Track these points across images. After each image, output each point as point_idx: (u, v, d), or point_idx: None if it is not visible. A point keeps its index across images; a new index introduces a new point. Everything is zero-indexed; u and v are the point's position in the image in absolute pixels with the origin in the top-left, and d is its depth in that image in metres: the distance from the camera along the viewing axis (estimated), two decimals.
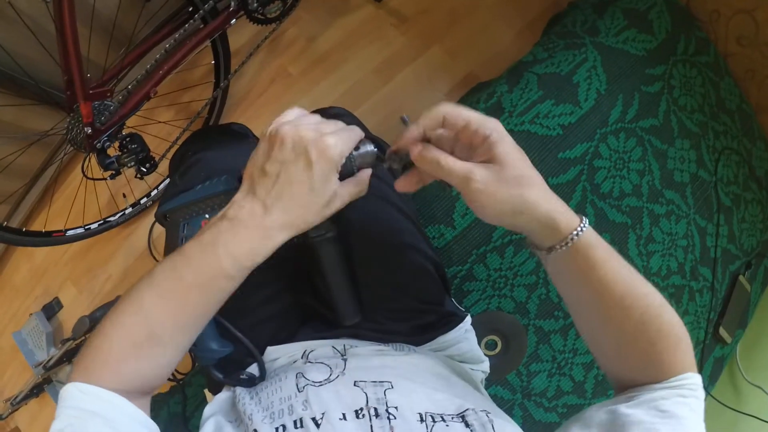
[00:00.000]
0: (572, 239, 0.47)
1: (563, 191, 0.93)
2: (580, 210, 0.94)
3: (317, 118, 0.51)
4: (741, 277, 1.17)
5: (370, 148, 0.53)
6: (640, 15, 1.07)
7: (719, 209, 1.12)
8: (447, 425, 0.47)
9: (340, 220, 0.61)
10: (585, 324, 0.55)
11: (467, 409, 0.49)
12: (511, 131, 0.91)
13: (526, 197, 0.46)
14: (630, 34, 1.04)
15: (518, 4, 1.57)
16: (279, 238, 0.48)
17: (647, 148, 1.01)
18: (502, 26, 1.55)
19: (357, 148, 0.52)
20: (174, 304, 0.47)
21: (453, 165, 0.46)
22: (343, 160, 0.48)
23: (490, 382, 0.94)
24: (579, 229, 0.47)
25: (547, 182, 0.91)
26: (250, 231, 0.47)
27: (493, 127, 0.46)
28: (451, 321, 0.71)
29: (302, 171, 0.46)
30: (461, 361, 0.70)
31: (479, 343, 0.88)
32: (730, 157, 1.16)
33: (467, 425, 0.47)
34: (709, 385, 1.15)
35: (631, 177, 0.99)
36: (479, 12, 1.55)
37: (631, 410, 0.47)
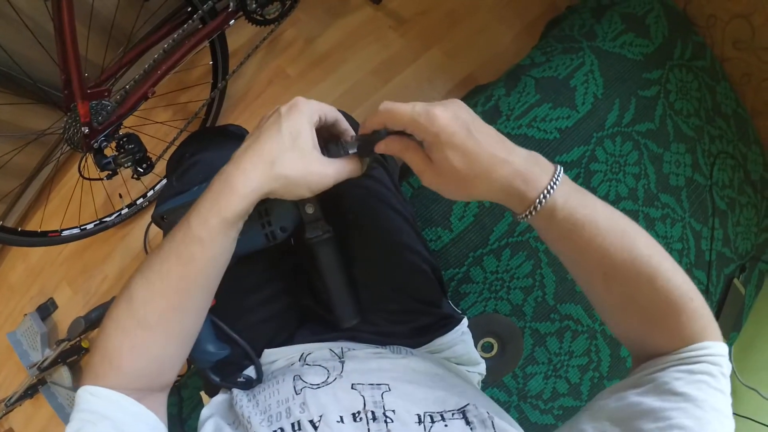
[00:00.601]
0: (534, 209, 0.46)
1: None
2: None
3: None
4: (736, 281, 1.18)
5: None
6: (637, 19, 1.07)
7: (714, 213, 1.13)
8: (446, 424, 0.47)
9: (337, 221, 0.61)
10: (579, 281, 0.53)
11: (467, 404, 0.50)
12: (508, 134, 0.91)
13: (472, 194, 0.49)
14: (627, 39, 1.05)
15: (517, 6, 1.58)
16: (244, 184, 0.47)
17: (643, 152, 1.02)
18: (500, 28, 1.55)
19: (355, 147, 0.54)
20: (154, 281, 0.47)
21: (411, 160, 0.50)
22: (315, 117, 0.51)
23: (487, 385, 0.94)
24: (546, 191, 0.46)
25: None
26: (216, 186, 0.48)
27: (433, 132, 0.46)
28: (448, 323, 0.71)
29: (272, 122, 0.50)
30: (458, 364, 0.70)
31: (476, 346, 0.88)
32: (725, 161, 1.17)
33: (467, 422, 0.47)
34: None
35: (627, 181, 1.00)
36: (478, 14, 1.55)
37: (641, 398, 0.43)
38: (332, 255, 0.61)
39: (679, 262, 1.03)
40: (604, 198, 0.97)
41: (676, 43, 1.11)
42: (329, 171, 0.51)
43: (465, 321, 0.75)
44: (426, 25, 1.54)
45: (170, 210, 0.61)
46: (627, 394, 0.45)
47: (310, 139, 0.50)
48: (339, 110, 0.72)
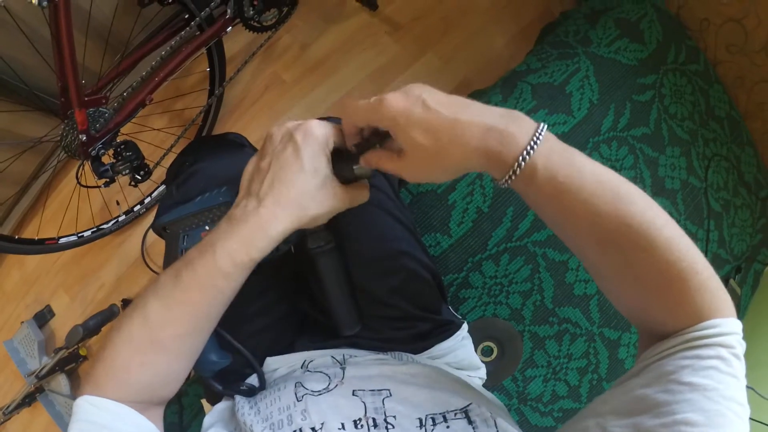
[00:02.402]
0: (511, 176, 0.42)
1: None
2: None
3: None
4: (732, 281, 1.19)
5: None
6: (631, 25, 1.09)
7: (709, 215, 1.14)
8: (448, 425, 0.47)
9: (337, 229, 0.62)
10: (573, 251, 0.49)
11: (470, 404, 0.50)
12: None
13: (452, 166, 0.46)
14: (622, 44, 1.06)
15: (511, 12, 1.59)
16: (276, 228, 0.48)
17: (639, 156, 1.03)
18: (495, 33, 1.56)
19: (357, 161, 0.53)
20: (174, 308, 0.47)
21: (385, 166, 0.49)
22: (331, 143, 0.51)
23: (487, 388, 0.94)
24: (522, 157, 0.41)
25: None
26: (244, 225, 0.48)
27: (391, 117, 0.45)
28: (449, 329, 0.71)
29: (291, 154, 0.49)
30: (459, 369, 0.71)
31: (475, 350, 0.89)
32: (719, 163, 1.18)
33: (470, 421, 0.47)
34: None
35: None
36: (472, 19, 1.56)
37: (645, 390, 0.39)
38: (334, 265, 0.62)
39: None
40: None
41: (669, 47, 1.12)
42: (347, 201, 0.52)
43: (465, 326, 0.75)
44: (421, 30, 1.55)
45: (172, 221, 0.61)
46: (631, 384, 0.41)
47: (329, 170, 0.50)
48: (333, 118, 0.74)
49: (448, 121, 0.43)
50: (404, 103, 0.45)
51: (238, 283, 0.50)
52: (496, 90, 1.00)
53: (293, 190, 0.48)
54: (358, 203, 0.54)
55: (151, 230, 1.21)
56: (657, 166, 1.05)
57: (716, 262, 1.15)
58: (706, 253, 1.13)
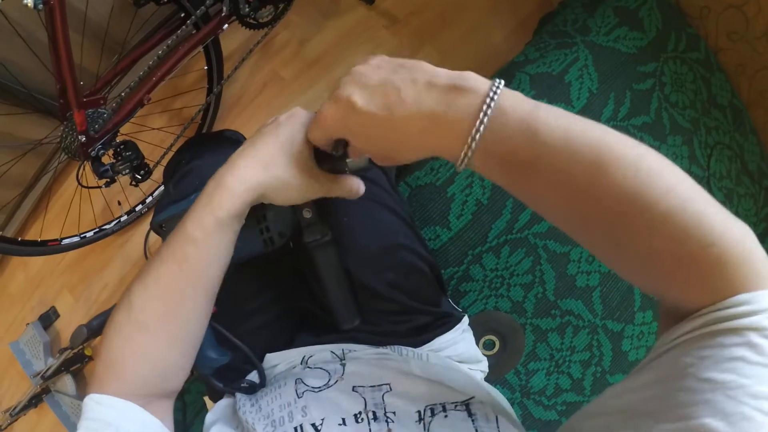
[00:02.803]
0: (462, 162, 0.39)
1: None
2: None
3: None
4: None
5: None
6: (630, 13, 1.08)
7: None
8: (446, 415, 0.47)
9: (334, 223, 0.62)
10: (560, 227, 0.42)
11: (472, 398, 0.50)
12: None
13: (412, 158, 0.43)
14: (621, 32, 1.05)
15: (510, 3, 1.58)
16: (235, 183, 0.48)
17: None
18: (493, 25, 1.55)
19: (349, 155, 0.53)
20: (151, 285, 0.48)
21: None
22: (306, 125, 0.51)
23: (489, 382, 0.94)
24: (466, 148, 0.38)
25: None
26: (210, 187, 0.48)
27: (330, 133, 0.46)
28: (448, 322, 0.71)
29: (270, 127, 0.51)
30: (460, 362, 0.71)
31: (477, 343, 0.88)
32: (722, 152, 1.17)
33: (470, 414, 0.47)
34: None
35: None
36: (470, 12, 1.55)
37: (660, 386, 0.34)
38: (331, 259, 0.61)
39: None
40: None
41: (669, 35, 1.11)
42: (324, 185, 0.51)
43: (465, 319, 0.75)
44: (419, 24, 1.54)
45: (168, 218, 0.61)
46: (645, 378, 0.35)
47: (305, 148, 0.50)
48: None
49: (383, 123, 0.40)
50: (336, 113, 0.43)
51: (210, 251, 0.48)
52: None
53: (260, 151, 0.49)
54: (340, 194, 0.53)
55: (151, 228, 1.21)
56: None
57: None
58: None
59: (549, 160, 0.36)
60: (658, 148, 1.04)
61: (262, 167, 0.48)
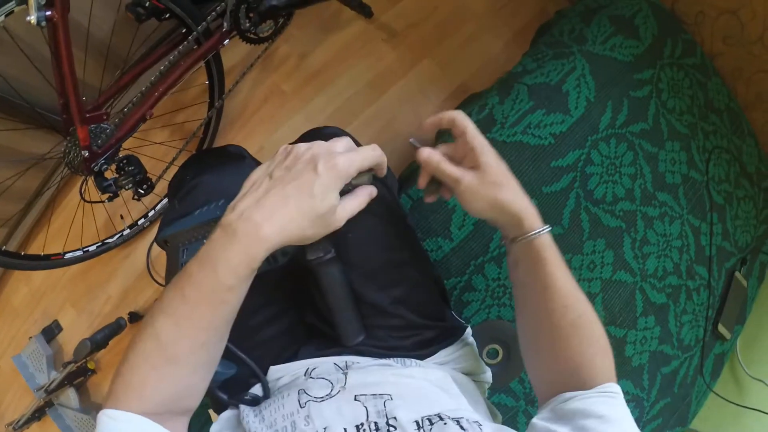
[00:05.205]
0: (532, 235, 0.57)
1: (557, 199, 0.94)
2: (574, 217, 0.95)
3: (331, 141, 0.53)
4: (737, 274, 1.18)
5: None
6: (626, 21, 1.09)
7: (712, 208, 1.14)
8: (445, 423, 0.48)
9: (337, 240, 0.62)
10: (527, 318, 0.63)
11: (462, 418, 0.50)
12: (503, 142, 0.93)
13: (502, 197, 0.56)
14: (617, 41, 1.06)
15: (506, 14, 1.60)
16: (272, 241, 0.47)
17: (638, 152, 1.03)
18: (490, 36, 1.57)
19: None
20: (184, 324, 0.47)
21: (448, 168, 0.57)
22: (348, 180, 0.50)
23: (494, 391, 0.94)
24: (540, 230, 0.57)
25: (541, 191, 0.92)
26: (242, 236, 0.47)
27: (481, 142, 0.58)
28: (453, 334, 0.71)
29: (307, 175, 0.48)
30: (465, 374, 0.71)
31: (481, 353, 0.88)
32: (720, 155, 1.18)
33: (462, 428, 0.48)
34: (711, 382, 1.16)
35: (623, 181, 1.01)
36: (468, 24, 1.57)
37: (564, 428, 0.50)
38: (335, 276, 0.61)
39: (680, 259, 1.05)
40: (602, 200, 0.98)
41: (665, 42, 1.12)
42: (343, 217, 0.52)
43: (469, 330, 0.75)
44: (417, 36, 1.55)
45: (173, 234, 0.61)
46: (549, 426, 0.52)
47: (337, 202, 0.50)
48: (344, 131, 0.75)
49: (507, 171, 0.59)
50: (486, 141, 0.59)
51: (243, 291, 0.50)
52: (492, 93, 1.00)
53: (296, 211, 0.48)
54: (356, 211, 0.54)
55: (155, 243, 1.21)
56: (657, 162, 1.05)
57: (721, 255, 1.15)
58: (710, 246, 1.12)
59: (552, 266, 0.58)
60: (656, 155, 1.05)
61: (298, 230, 0.48)
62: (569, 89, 0.98)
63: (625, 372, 1.01)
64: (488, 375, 0.75)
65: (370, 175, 0.54)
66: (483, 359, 0.89)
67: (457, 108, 1.19)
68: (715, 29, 1.24)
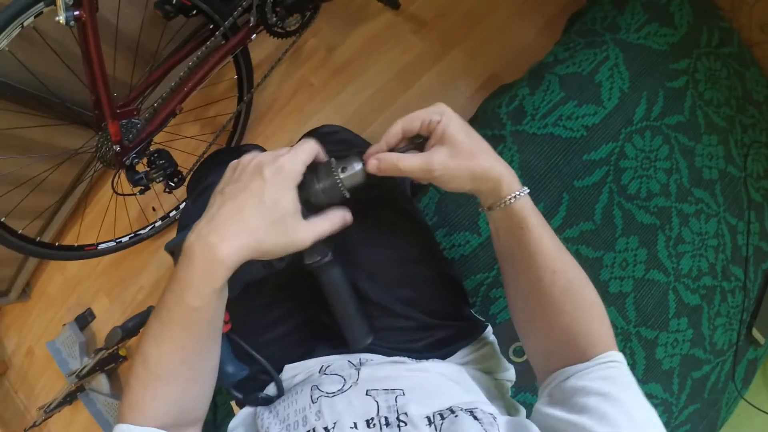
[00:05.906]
0: (510, 200, 0.53)
1: (589, 194, 0.92)
2: (607, 212, 0.93)
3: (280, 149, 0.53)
4: None
5: (357, 167, 0.53)
6: (660, 8, 1.05)
7: (750, 206, 1.09)
8: (456, 416, 0.47)
9: (343, 240, 0.59)
10: (515, 289, 0.58)
11: (476, 408, 0.49)
12: (534, 135, 0.91)
13: (480, 164, 0.52)
14: (651, 29, 1.02)
15: (537, 2, 1.55)
16: (229, 261, 0.46)
17: (674, 145, 0.99)
18: (521, 25, 1.53)
19: (344, 169, 0.53)
20: (164, 344, 0.48)
21: (410, 161, 0.52)
22: (300, 177, 0.50)
23: (519, 389, 0.93)
24: (517, 194, 0.53)
25: (572, 185, 0.90)
26: (200, 257, 0.46)
27: (439, 111, 0.54)
28: (470, 334, 0.70)
29: (255, 183, 0.49)
30: (485, 372, 0.69)
31: (508, 350, 0.87)
32: (759, 150, 1.13)
33: (476, 418, 0.47)
34: (742, 389, 1.12)
35: (658, 176, 0.97)
36: (498, 12, 1.54)
37: (570, 414, 0.47)
38: (334, 279, 0.59)
39: (716, 259, 1.02)
40: (636, 195, 0.95)
41: (701, 30, 1.08)
42: (309, 236, 0.51)
43: (490, 329, 0.73)
44: (446, 27, 1.53)
45: (176, 245, 0.60)
46: (547, 410, 0.50)
47: (292, 205, 0.49)
48: (343, 127, 0.74)
49: (480, 139, 0.54)
50: (447, 108, 0.54)
51: (214, 309, 0.49)
52: (523, 83, 0.98)
53: (249, 222, 0.47)
54: (327, 233, 0.53)
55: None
56: (694, 156, 1.02)
57: (758, 256, 1.11)
58: (747, 246, 1.08)
59: (535, 231, 0.54)
60: (693, 149, 1.01)
61: (254, 242, 0.47)
62: (602, 80, 0.95)
63: (654, 375, 0.97)
64: (510, 373, 0.73)
65: (362, 175, 0.53)
66: (509, 357, 0.88)
67: (487, 99, 1.17)
68: (753, 17, 1.18)
